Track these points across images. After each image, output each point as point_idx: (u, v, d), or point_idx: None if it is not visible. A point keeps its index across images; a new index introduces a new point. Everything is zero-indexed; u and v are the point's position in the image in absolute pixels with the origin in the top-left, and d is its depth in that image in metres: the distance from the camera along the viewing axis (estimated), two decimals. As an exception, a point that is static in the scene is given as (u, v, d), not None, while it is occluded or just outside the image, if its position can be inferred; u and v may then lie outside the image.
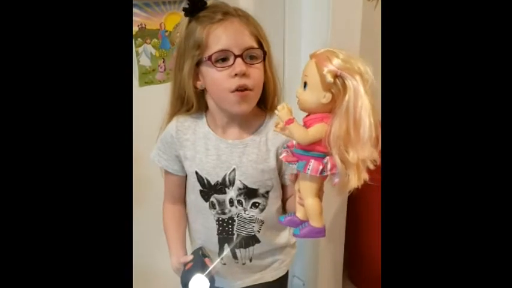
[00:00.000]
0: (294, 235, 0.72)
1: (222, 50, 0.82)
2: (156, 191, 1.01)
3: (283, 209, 1.00)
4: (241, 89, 0.83)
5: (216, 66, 0.83)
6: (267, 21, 0.90)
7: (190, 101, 0.90)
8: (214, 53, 0.82)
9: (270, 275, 1.02)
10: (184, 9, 0.87)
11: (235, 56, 0.82)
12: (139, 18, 1.17)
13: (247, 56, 0.83)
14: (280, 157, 0.71)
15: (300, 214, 0.73)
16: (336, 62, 0.62)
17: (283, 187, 0.97)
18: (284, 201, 0.99)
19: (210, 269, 0.87)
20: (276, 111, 0.66)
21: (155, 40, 1.21)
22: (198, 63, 0.86)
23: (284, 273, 1.05)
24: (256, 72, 0.85)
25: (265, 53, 0.86)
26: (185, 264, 0.91)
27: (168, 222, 1.00)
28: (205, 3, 0.87)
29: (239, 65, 0.82)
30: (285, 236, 1.02)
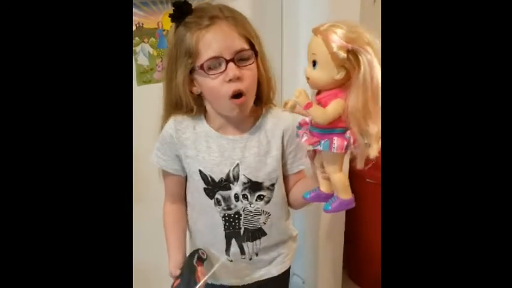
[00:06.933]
0: (325, 210, 0.71)
1: (213, 57, 0.82)
2: (154, 189, 1.01)
3: (287, 200, 1.00)
4: (237, 94, 0.83)
5: (209, 75, 0.83)
6: (264, 18, 0.89)
7: (190, 106, 0.90)
8: (205, 61, 0.82)
9: (275, 269, 1.03)
10: (170, 16, 0.86)
11: (227, 61, 0.82)
12: (137, 17, 1.17)
13: (238, 59, 0.83)
14: (302, 141, 0.70)
15: (324, 188, 0.72)
16: (343, 35, 0.61)
17: (286, 177, 0.98)
18: (287, 191, 0.99)
19: (199, 284, 0.85)
20: (293, 98, 0.65)
21: (153, 39, 1.21)
22: (192, 71, 0.85)
23: (287, 267, 1.06)
24: (249, 74, 0.84)
25: (256, 53, 0.85)
26: (174, 280, 0.90)
27: (168, 221, 1.00)
28: (191, 7, 0.86)
29: (232, 70, 0.82)
30: (288, 228, 1.04)
